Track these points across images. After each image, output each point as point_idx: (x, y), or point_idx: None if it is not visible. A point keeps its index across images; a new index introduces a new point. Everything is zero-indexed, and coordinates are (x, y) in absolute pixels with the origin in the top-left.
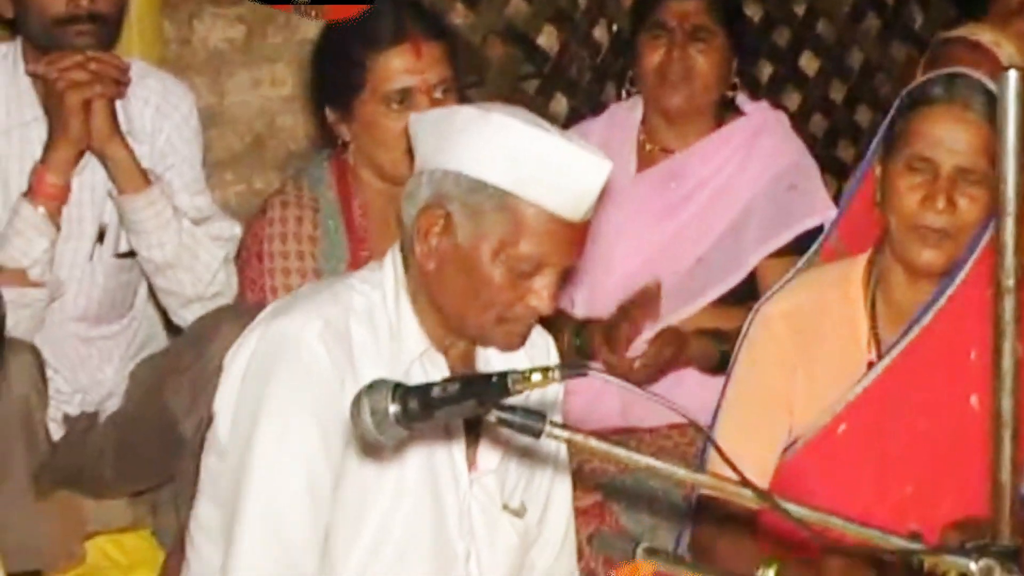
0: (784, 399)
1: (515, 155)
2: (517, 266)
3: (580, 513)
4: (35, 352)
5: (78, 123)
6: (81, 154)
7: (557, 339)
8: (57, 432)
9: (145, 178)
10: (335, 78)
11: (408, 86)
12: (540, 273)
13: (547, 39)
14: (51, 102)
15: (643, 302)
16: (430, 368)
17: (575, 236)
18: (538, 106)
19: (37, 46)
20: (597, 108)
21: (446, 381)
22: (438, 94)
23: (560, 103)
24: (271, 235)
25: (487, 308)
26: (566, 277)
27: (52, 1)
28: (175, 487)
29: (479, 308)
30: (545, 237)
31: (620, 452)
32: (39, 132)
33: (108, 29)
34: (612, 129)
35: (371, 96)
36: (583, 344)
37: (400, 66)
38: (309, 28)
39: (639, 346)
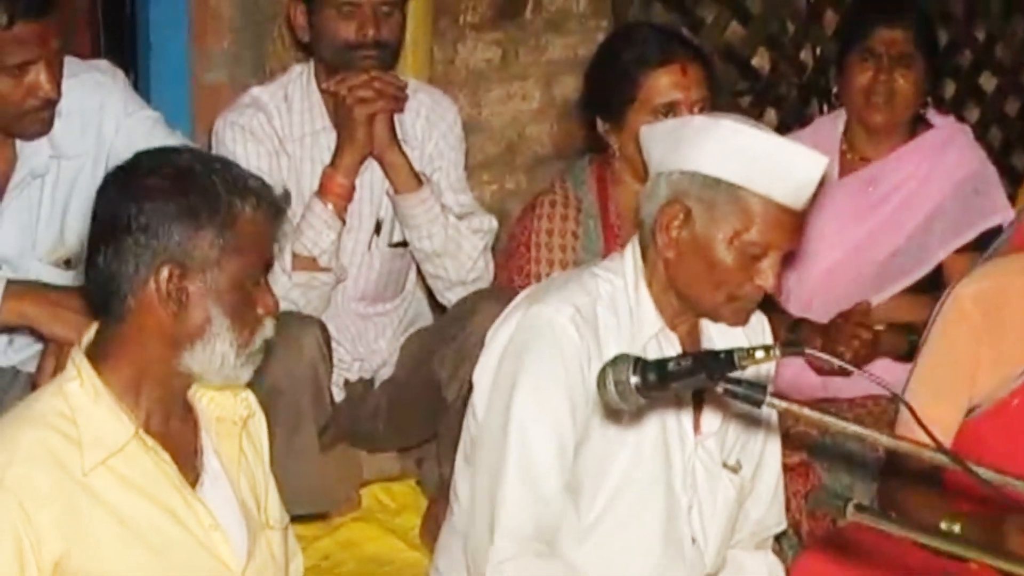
0: (969, 369)
1: (745, 154)
2: (748, 250)
3: (787, 470)
4: (322, 327)
5: (363, 134)
6: (364, 158)
7: (771, 328)
8: (339, 395)
9: (418, 179)
10: (610, 92)
11: (674, 100)
12: (766, 256)
13: (760, 60)
14: (340, 115)
15: (855, 319)
16: (664, 344)
17: (797, 223)
18: (751, 119)
19: (328, 67)
20: (803, 121)
21: (680, 357)
22: (697, 110)
23: (770, 116)
24: (539, 229)
25: (720, 288)
26: (786, 260)
27: (344, 30)
28: (438, 443)
29: (713, 288)
30: (772, 224)
31: (829, 419)
32: (327, 140)
33: (389, 54)
34: (817, 139)
35: (641, 108)
36: (797, 339)
37: (668, 83)
38: (555, 51)
39: None
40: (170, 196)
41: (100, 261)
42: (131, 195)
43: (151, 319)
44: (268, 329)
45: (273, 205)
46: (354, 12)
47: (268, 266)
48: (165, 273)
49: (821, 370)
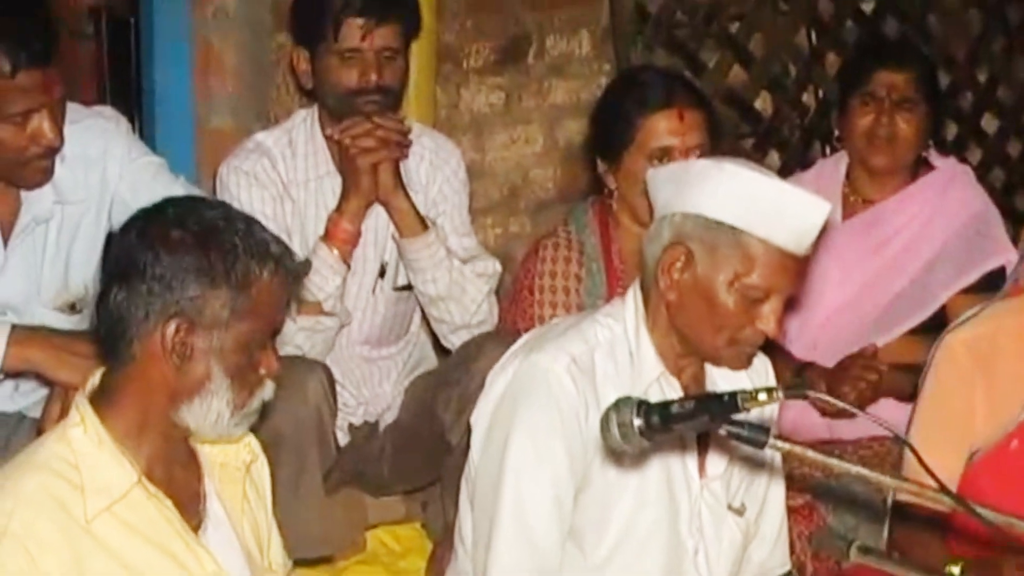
0: (965, 415)
1: (747, 198)
2: (749, 294)
3: (791, 512)
4: (327, 371)
5: (368, 181)
6: (370, 204)
7: (776, 371)
8: (343, 439)
9: (423, 223)
10: (609, 133)
11: (669, 145)
12: (767, 300)
13: (762, 103)
14: (345, 163)
15: (861, 362)
16: (666, 389)
17: (799, 268)
18: (754, 161)
19: (331, 113)
20: (805, 164)
21: (683, 399)
22: (693, 156)
23: (773, 159)
24: (542, 272)
25: (721, 331)
26: (789, 303)
27: (346, 77)
28: (442, 486)
29: (714, 331)
30: (773, 268)
31: (833, 461)
32: (332, 184)
33: (392, 98)
34: (820, 181)
35: (637, 151)
36: (803, 383)
37: (665, 128)
38: (558, 95)
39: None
40: (190, 251)
41: (111, 301)
42: (151, 243)
43: (154, 368)
44: (268, 391)
45: (291, 273)
46: (356, 59)
47: (277, 331)
48: (172, 327)
49: (825, 412)
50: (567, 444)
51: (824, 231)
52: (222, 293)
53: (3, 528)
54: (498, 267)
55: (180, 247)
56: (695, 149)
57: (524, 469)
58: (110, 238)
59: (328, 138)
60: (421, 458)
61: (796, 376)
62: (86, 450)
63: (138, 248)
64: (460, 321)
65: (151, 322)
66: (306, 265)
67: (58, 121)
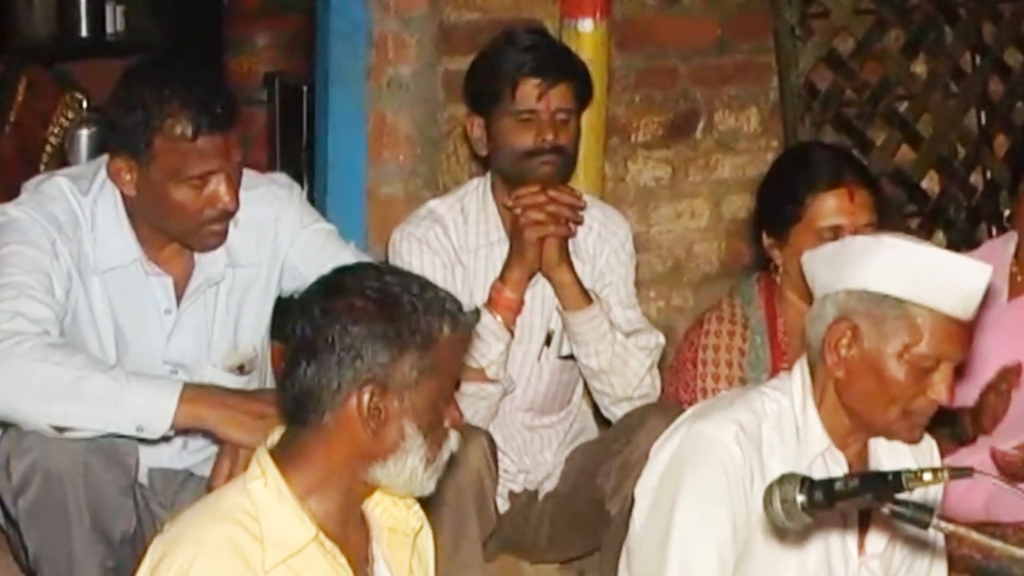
0: None
1: (910, 268)
2: (919, 364)
3: None
4: (489, 437)
5: (533, 252)
6: (533, 275)
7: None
8: (503, 506)
9: (587, 297)
10: (777, 209)
11: (839, 224)
12: (937, 369)
13: (929, 182)
14: (513, 232)
15: (1006, 377)
16: (831, 463)
17: (966, 333)
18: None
19: (505, 178)
20: (971, 244)
21: (847, 477)
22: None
23: (939, 238)
24: (705, 345)
25: (893, 404)
26: (958, 371)
27: (521, 139)
28: (601, 557)
29: (886, 404)
30: (941, 336)
31: (997, 544)
32: (501, 251)
33: (566, 160)
34: (988, 260)
35: (805, 229)
36: (954, 430)
37: (834, 207)
38: (724, 170)
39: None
40: (375, 319)
41: (300, 375)
42: (336, 315)
43: (346, 433)
44: (453, 442)
45: (467, 325)
46: (532, 120)
47: (459, 382)
48: (367, 394)
49: (1010, 474)
50: (732, 510)
51: (987, 297)
52: (410, 356)
53: (184, 574)
54: (661, 340)
55: (364, 316)
56: (864, 228)
57: (690, 534)
58: (279, 303)
59: (501, 205)
60: (580, 527)
61: (947, 426)
62: (266, 503)
63: (323, 322)
64: (622, 394)
65: (344, 391)
66: (477, 315)
67: (235, 185)
